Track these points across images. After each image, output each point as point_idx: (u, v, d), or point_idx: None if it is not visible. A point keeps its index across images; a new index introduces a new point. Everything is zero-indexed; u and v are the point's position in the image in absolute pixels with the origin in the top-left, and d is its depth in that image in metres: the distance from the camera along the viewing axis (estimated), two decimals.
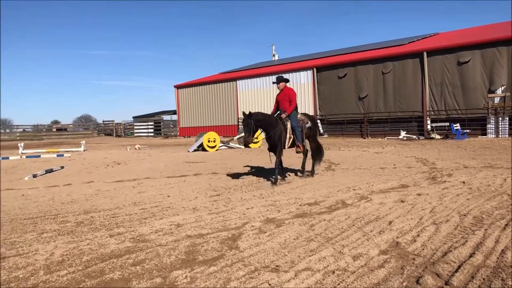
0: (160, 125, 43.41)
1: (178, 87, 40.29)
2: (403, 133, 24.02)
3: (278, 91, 9.12)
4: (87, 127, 57.14)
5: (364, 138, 25.68)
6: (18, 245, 4.65)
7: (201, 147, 18.87)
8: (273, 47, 44.83)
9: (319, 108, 29.17)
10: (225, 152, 17.98)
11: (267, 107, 32.51)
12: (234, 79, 35.14)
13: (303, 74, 30.24)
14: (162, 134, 41.68)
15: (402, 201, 6.30)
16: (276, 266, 3.71)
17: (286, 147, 8.77)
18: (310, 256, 3.95)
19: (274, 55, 44.22)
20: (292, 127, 8.77)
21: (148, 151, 19.58)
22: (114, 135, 44.33)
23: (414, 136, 23.66)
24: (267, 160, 13.49)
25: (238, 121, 34.51)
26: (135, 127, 44.32)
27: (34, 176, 10.86)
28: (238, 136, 21.23)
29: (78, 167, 13.17)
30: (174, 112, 44.05)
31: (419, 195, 6.76)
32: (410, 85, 25.03)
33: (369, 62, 26.93)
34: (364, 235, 4.58)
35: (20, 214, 6.24)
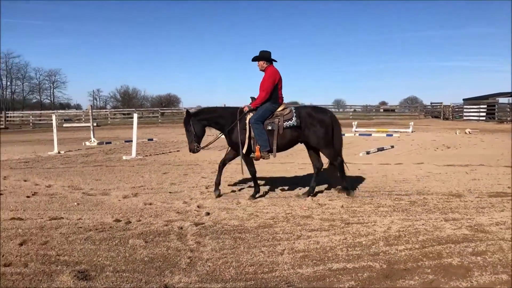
0: (494, 108, 39.26)
1: None
2: None
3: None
4: (413, 108, 57.42)
5: None
6: (359, 214, 5.15)
7: None
8: None
9: None
10: None
11: None
12: None
13: None
14: (496, 118, 37.63)
15: None
16: None
17: (244, 150, 6.02)
18: None
19: None
20: (250, 124, 6.04)
21: (480, 136, 18.08)
22: (442, 117, 42.88)
23: None
24: None
25: None
26: (465, 110, 41.60)
27: (367, 153, 11.72)
28: None
29: (407, 147, 13.43)
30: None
31: None
32: None
33: None
34: None
35: (360, 187, 6.88)
